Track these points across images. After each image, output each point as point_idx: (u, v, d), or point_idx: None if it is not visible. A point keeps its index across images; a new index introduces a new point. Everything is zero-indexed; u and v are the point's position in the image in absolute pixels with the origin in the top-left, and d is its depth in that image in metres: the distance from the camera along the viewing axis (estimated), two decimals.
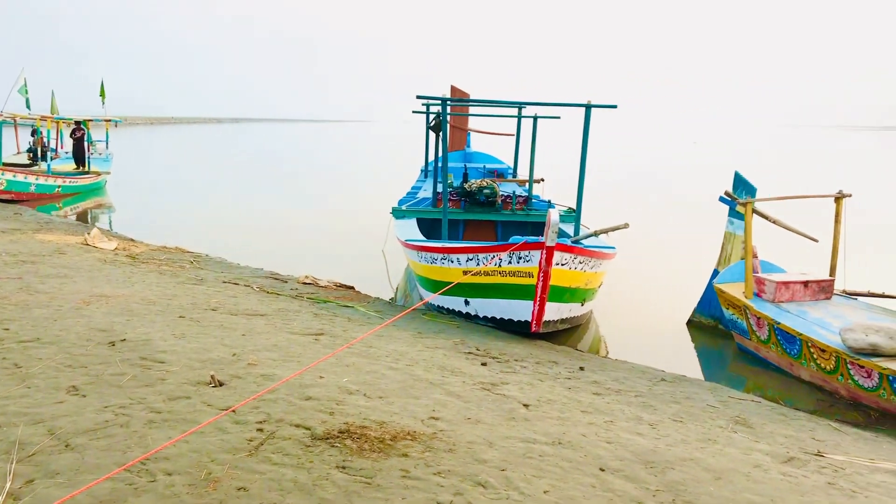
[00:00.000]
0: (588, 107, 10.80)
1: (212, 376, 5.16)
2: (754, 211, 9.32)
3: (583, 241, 10.10)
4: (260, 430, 4.34)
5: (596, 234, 10.13)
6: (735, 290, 9.32)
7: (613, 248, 10.38)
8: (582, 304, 9.74)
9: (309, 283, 11.37)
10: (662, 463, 4.50)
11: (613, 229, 10.04)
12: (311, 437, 4.28)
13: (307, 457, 4.02)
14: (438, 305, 10.21)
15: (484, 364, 6.99)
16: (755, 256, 9.53)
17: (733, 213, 10.12)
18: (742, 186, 9.87)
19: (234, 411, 4.54)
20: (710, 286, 10.16)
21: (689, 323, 10.49)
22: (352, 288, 11.38)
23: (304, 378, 5.44)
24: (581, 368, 7.51)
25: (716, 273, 10.25)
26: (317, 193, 27.90)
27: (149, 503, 3.39)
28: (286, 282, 11.40)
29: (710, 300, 10.12)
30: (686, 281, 11.90)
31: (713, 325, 10.23)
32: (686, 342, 9.96)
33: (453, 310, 9.95)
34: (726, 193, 9.76)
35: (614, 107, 11.07)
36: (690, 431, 5.49)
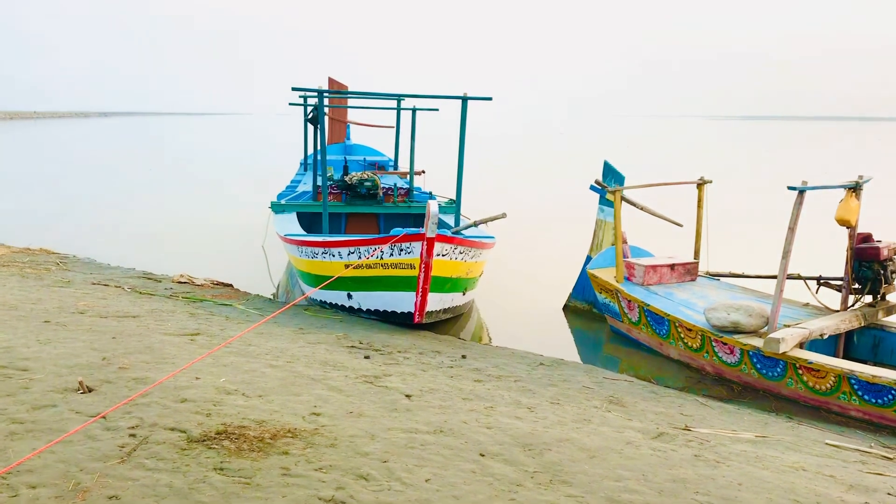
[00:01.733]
0: (464, 99, 10.94)
1: (80, 382, 4.93)
2: (623, 198, 9.70)
3: (463, 232, 10.24)
4: (132, 435, 4.19)
5: (475, 224, 10.29)
6: (607, 274, 9.69)
7: (493, 237, 10.57)
8: (464, 294, 9.88)
9: (184, 282, 11.03)
10: (540, 445, 4.63)
11: (492, 219, 10.23)
12: (187, 440, 4.16)
13: (183, 460, 3.91)
14: (321, 300, 10.13)
15: (367, 357, 6.99)
16: (625, 242, 9.93)
17: (603, 201, 10.51)
18: (611, 175, 10.26)
19: (104, 417, 4.36)
20: (583, 272, 10.51)
21: (566, 308, 10.83)
22: (230, 286, 11.13)
23: (179, 380, 5.28)
24: (463, 357, 7.63)
25: (589, 259, 10.62)
26: (191, 189, 27.05)
27: None
28: (160, 281, 11.02)
29: (584, 285, 10.48)
30: (561, 267, 12.27)
31: (587, 309, 10.60)
32: (563, 326, 10.28)
33: (336, 304, 9.89)
34: (596, 182, 10.12)
35: (489, 99, 11.26)
36: (567, 413, 5.67)
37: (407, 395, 5.59)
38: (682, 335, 8.32)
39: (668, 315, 8.44)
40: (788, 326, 7.59)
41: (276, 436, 4.33)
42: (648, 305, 8.71)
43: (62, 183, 28.50)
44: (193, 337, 7.09)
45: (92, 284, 9.96)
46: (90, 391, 4.88)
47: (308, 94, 14.31)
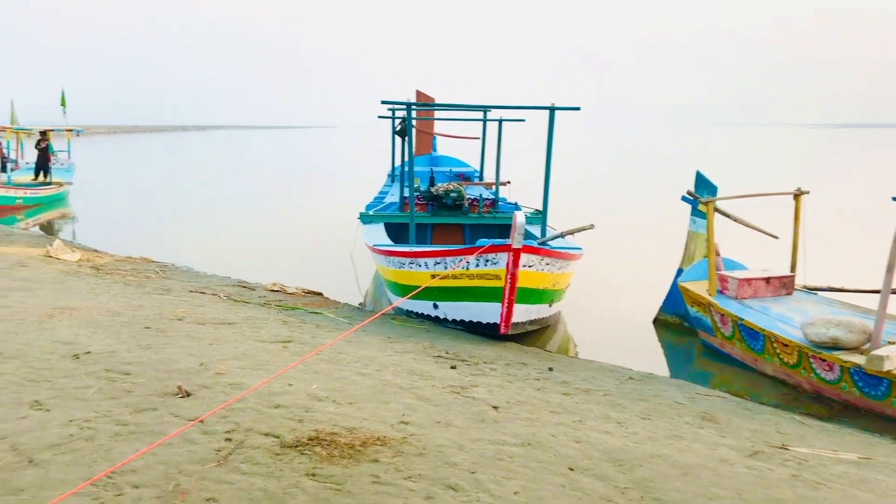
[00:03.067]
0: (552, 109, 10.88)
1: (179, 387, 5.12)
2: (716, 209, 9.46)
3: (549, 243, 10.17)
4: (228, 439, 4.32)
5: (562, 235, 10.20)
6: (699, 287, 9.45)
7: (580, 248, 10.46)
8: (550, 306, 9.80)
9: (277, 291, 11.31)
10: (631, 460, 4.55)
11: (579, 230, 10.12)
12: (281, 446, 4.26)
13: (277, 465, 4.00)
14: (407, 310, 10.22)
15: (453, 367, 7.01)
16: (718, 254, 9.67)
17: (696, 213, 10.26)
18: (704, 186, 10.01)
19: (201, 421, 4.51)
20: (674, 285, 10.28)
21: (656, 321, 10.60)
22: (320, 294, 11.34)
23: (273, 386, 5.41)
24: (550, 369, 7.56)
25: (680, 272, 10.38)
26: (283, 200, 27.75)
27: None
28: (254, 289, 11.33)
29: (675, 298, 10.24)
30: (651, 280, 12.03)
31: (678, 322, 10.36)
32: (653, 340, 10.07)
33: (422, 314, 9.96)
34: (688, 193, 9.89)
35: (577, 109, 11.17)
36: (658, 428, 5.55)
37: (494, 407, 5.58)
38: (777, 351, 8.03)
39: (764, 330, 8.16)
40: (893, 343, 7.24)
41: (366, 443, 4.38)
42: (742, 320, 8.45)
43: (162, 193, 29.67)
44: (286, 344, 7.27)
45: (190, 292, 10.32)
46: (188, 395, 5.06)
47: (397, 107, 14.50)
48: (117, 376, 5.40)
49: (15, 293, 8.70)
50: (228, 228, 19.97)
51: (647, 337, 10.16)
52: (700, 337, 9.61)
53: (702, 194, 9.85)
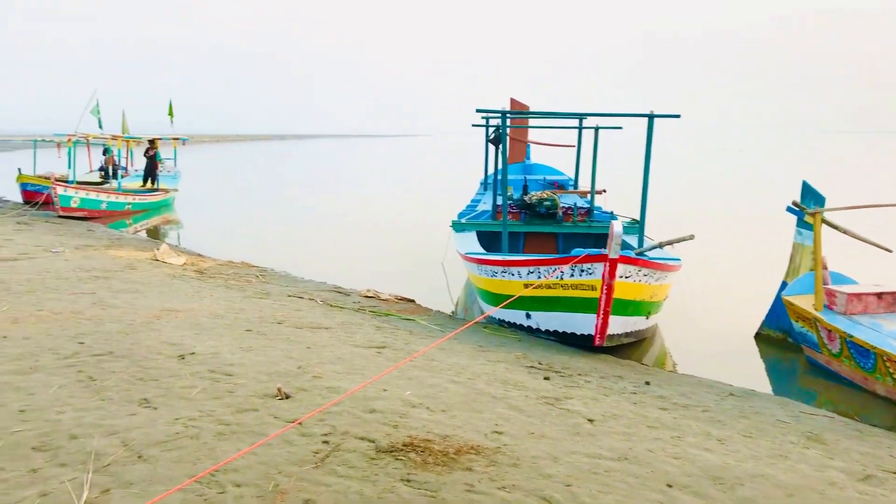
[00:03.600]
0: (651, 117, 10.67)
1: (278, 389, 5.24)
2: (824, 221, 9.06)
3: (647, 253, 9.95)
4: (325, 442, 4.39)
5: (661, 245, 9.97)
6: (805, 302, 9.06)
7: (679, 259, 10.20)
8: (647, 318, 9.59)
9: (371, 297, 11.47)
10: (732, 479, 4.39)
11: (679, 241, 9.87)
12: (376, 450, 4.30)
13: (372, 469, 4.04)
14: (499, 319, 10.18)
15: (547, 378, 6.93)
16: (825, 268, 9.25)
17: (801, 224, 9.86)
18: (810, 196, 9.61)
19: (300, 423, 4.60)
20: (778, 298, 9.89)
21: (757, 336, 10.23)
22: (413, 301, 11.44)
23: (368, 391, 5.48)
24: (647, 383, 7.39)
25: (784, 285, 9.98)
26: (377, 207, 28.16)
27: None
28: (349, 295, 11.52)
29: (779, 313, 9.85)
30: (753, 293, 11.61)
31: (782, 338, 9.95)
32: (754, 356, 9.71)
33: (514, 323, 9.91)
34: (794, 203, 9.51)
35: (677, 116, 10.92)
36: (760, 447, 5.34)
37: (589, 420, 5.49)
38: (890, 370, 7.61)
39: (875, 347, 7.75)
40: None
41: (460, 451, 4.38)
42: (852, 336, 8.05)
43: (261, 200, 30.56)
44: (380, 350, 7.35)
45: (288, 296, 10.58)
46: (287, 398, 5.17)
47: (491, 115, 14.52)
48: (220, 377, 5.58)
49: (125, 294, 9.11)
50: (324, 234, 20.41)
51: (748, 352, 9.81)
52: (805, 353, 9.21)
53: (808, 205, 9.46)
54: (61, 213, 20.43)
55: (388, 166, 65.65)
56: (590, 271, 8.49)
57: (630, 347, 9.53)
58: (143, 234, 19.96)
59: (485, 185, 18.46)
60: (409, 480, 3.93)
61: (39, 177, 23.03)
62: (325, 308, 9.98)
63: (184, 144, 31.85)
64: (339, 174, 52.19)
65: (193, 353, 6.18)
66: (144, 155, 26.08)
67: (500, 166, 12.92)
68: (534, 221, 13.16)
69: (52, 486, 3.66)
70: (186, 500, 3.56)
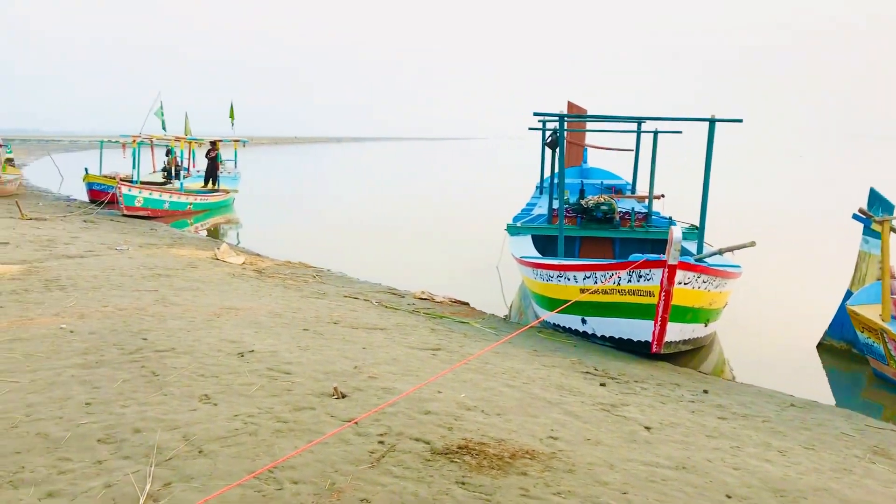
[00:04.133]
0: (712, 121, 10.49)
1: (335, 388, 5.29)
2: (892, 229, 8.78)
3: (706, 260, 9.78)
4: (381, 442, 4.41)
5: (720, 252, 9.79)
6: (871, 312, 8.79)
7: (739, 266, 10.00)
8: (705, 325, 9.42)
9: (425, 299, 11.51)
10: (794, 492, 4.28)
11: (739, 247, 9.68)
12: (431, 452, 4.31)
13: (427, 471, 4.05)
14: (554, 323, 10.11)
15: (603, 384, 6.86)
16: (893, 277, 8.96)
17: (868, 232, 9.57)
18: (878, 203, 9.33)
19: (356, 423, 4.64)
20: (842, 308, 9.61)
21: (820, 346, 9.96)
22: (467, 304, 11.44)
23: (423, 392, 5.49)
24: (705, 391, 7.25)
25: (849, 294, 9.69)
26: (431, 210, 28.25)
27: None
28: (403, 296, 11.58)
29: (843, 323, 9.58)
30: (816, 302, 11.32)
31: (846, 348, 9.68)
32: (816, 366, 9.46)
33: (569, 328, 9.83)
34: (861, 211, 9.24)
35: (740, 121, 10.71)
36: (823, 460, 5.20)
37: (646, 427, 5.41)
38: None
39: None
40: None
41: (515, 456, 4.36)
42: None
43: (317, 201, 30.92)
44: (435, 352, 7.37)
45: (344, 297, 10.69)
46: (343, 397, 5.22)
47: (548, 118, 14.44)
48: (278, 375, 5.66)
49: (186, 292, 9.31)
50: (379, 236, 20.55)
51: (810, 362, 9.56)
52: (870, 365, 8.93)
53: (876, 212, 9.18)
54: (125, 212, 21.00)
55: (443, 169, 65.79)
56: (648, 277, 8.37)
57: (687, 355, 9.38)
58: (204, 234, 20.38)
59: (540, 188, 18.38)
60: (464, 483, 3.93)
61: (105, 176, 23.72)
62: (379, 309, 10.05)
63: (244, 146, 32.43)
64: (394, 176, 52.53)
65: (252, 351, 6.29)
66: (206, 156, 26.63)
67: (556, 170, 12.85)
68: (590, 226, 13.05)
69: (116, 477, 3.75)
70: (245, 496, 3.61)
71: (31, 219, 17.35)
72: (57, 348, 6.09)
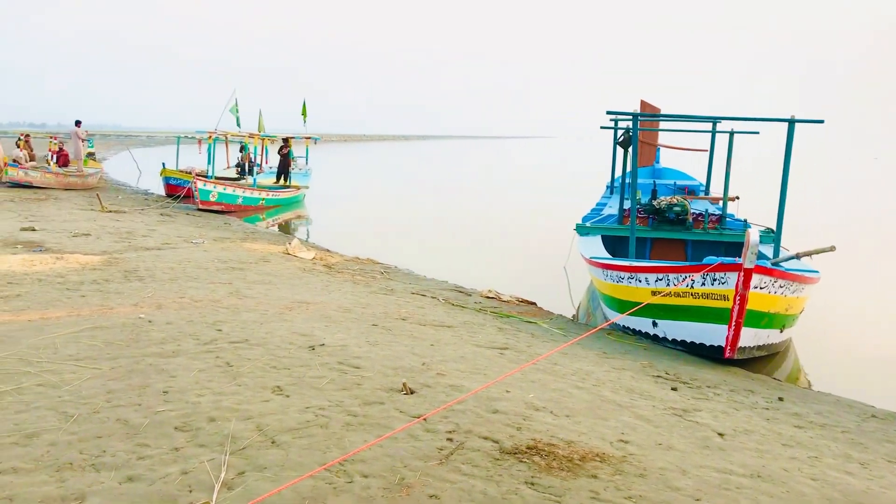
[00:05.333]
0: (791, 121, 10.18)
1: (403, 384, 5.32)
2: None
3: (783, 264, 9.50)
4: (449, 439, 4.41)
5: (798, 256, 9.50)
6: None
7: (817, 272, 9.68)
8: (781, 331, 9.15)
9: (492, 298, 11.48)
10: None
11: (818, 252, 9.37)
12: (500, 451, 4.29)
13: (496, 470, 4.03)
14: (624, 326, 9.96)
15: (674, 389, 6.73)
16: None
17: None
18: None
19: (425, 419, 4.65)
20: None
21: None
22: (534, 304, 11.36)
23: (491, 391, 5.48)
24: (780, 399, 7.05)
25: None
26: (499, 208, 28.17)
27: (347, 503, 3.53)
28: (470, 295, 11.57)
29: None
30: None
31: None
32: None
33: (640, 331, 9.67)
34: None
35: (821, 122, 10.37)
36: None
37: (719, 433, 5.29)
38: None
39: None
40: None
41: (585, 458, 4.31)
42: None
43: (385, 198, 31.18)
44: (502, 351, 7.34)
45: (411, 294, 10.74)
46: (412, 393, 5.24)
47: (621, 117, 14.23)
48: (348, 369, 5.72)
49: (259, 286, 9.49)
50: (446, 233, 20.60)
51: (891, 372, 9.20)
52: None
53: None
54: (200, 207, 21.51)
55: (511, 167, 65.58)
56: (723, 280, 8.17)
57: (761, 361, 9.12)
58: (275, 229, 20.74)
59: (611, 188, 18.14)
60: (533, 483, 3.90)
61: (181, 171, 24.36)
62: (446, 307, 10.06)
63: (315, 144, 32.89)
64: (461, 174, 52.57)
65: (323, 345, 6.37)
66: (278, 153, 27.08)
67: (628, 169, 12.65)
68: (662, 227, 12.81)
69: (192, 465, 3.85)
70: (317, 487, 3.66)
71: (110, 211, 17.95)
72: (136, 337, 6.28)
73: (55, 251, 11.05)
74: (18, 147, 26.37)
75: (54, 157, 27.91)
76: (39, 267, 9.59)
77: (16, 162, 24.09)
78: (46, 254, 10.72)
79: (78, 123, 25.15)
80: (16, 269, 9.30)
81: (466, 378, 5.86)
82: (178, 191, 23.18)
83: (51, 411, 4.50)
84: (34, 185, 22.84)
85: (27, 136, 29.00)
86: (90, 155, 29.05)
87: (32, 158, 26.89)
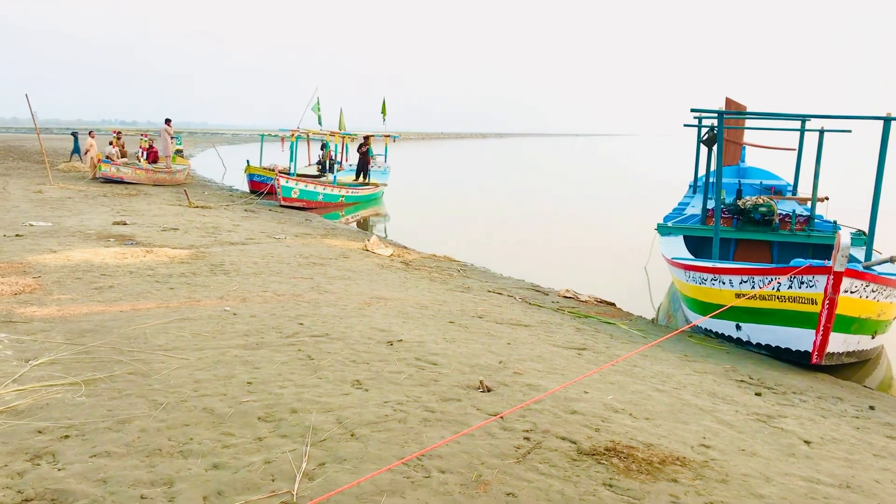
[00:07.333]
0: (887, 119, 9.77)
1: (480, 382, 5.33)
2: None
3: (876, 268, 9.12)
4: (527, 438, 4.40)
5: (892, 259, 9.10)
6: None
7: None
8: (872, 337, 8.79)
9: (570, 297, 11.39)
10: None
11: None
12: (577, 452, 4.26)
13: (573, 470, 4.00)
14: (705, 328, 9.74)
15: (758, 394, 6.54)
16: None
17: None
18: None
19: (502, 418, 4.65)
20: None
21: None
22: (613, 304, 11.23)
23: (569, 391, 5.44)
24: (871, 408, 6.77)
25: None
26: (578, 207, 27.93)
27: (424, 498, 3.56)
28: (547, 294, 11.51)
29: None
30: None
31: None
32: None
33: (722, 334, 9.44)
34: None
35: None
36: None
37: (806, 441, 5.12)
38: None
39: None
40: None
41: (665, 462, 4.23)
42: None
43: (462, 195, 31.26)
44: (580, 351, 7.27)
45: (487, 292, 10.75)
46: (489, 391, 5.24)
47: (706, 115, 13.92)
48: (426, 365, 5.76)
49: (339, 281, 9.65)
50: (524, 231, 20.54)
51: None
52: None
53: None
54: (282, 203, 22.02)
55: (592, 165, 64.86)
56: (811, 284, 7.90)
57: (850, 368, 8.79)
58: (354, 226, 21.05)
59: (694, 187, 17.75)
60: (611, 486, 3.85)
61: (265, 169, 24.98)
62: (523, 305, 10.03)
63: (394, 141, 33.23)
64: (540, 172, 52.26)
65: (401, 341, 6.43)
66: (358, 150, 27.49)
67: (712, 168, 12.37)
68: (747, 228, 12.48)
69: (274, 454, 3.94)
70: (395, 481, 3.70)
71: (197, 207, 18.53)
72: (221, 329, 6.47)
73: (145, 245, 11.48)
74: (111, 144, 27.51)
75: (144, 153, 29.03)
76: (130, 260, 9.98)
77: (108, 158, 25.14)
78: (137, 247, 11.14)
79: (168, 121, 26.07)
80: (109, 262, 9.70)
81: (544, 377, 5.83)
82: (261, 187, 23.77)
83: (141, 399, 4.67)
84: (125, 180, 23.78)
85: (119, 133, 30.21)
86: (178, 152, 30.09)
87: (124, 155, 28.03)
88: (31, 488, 3.46)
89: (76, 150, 31.03)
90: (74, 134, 33.30)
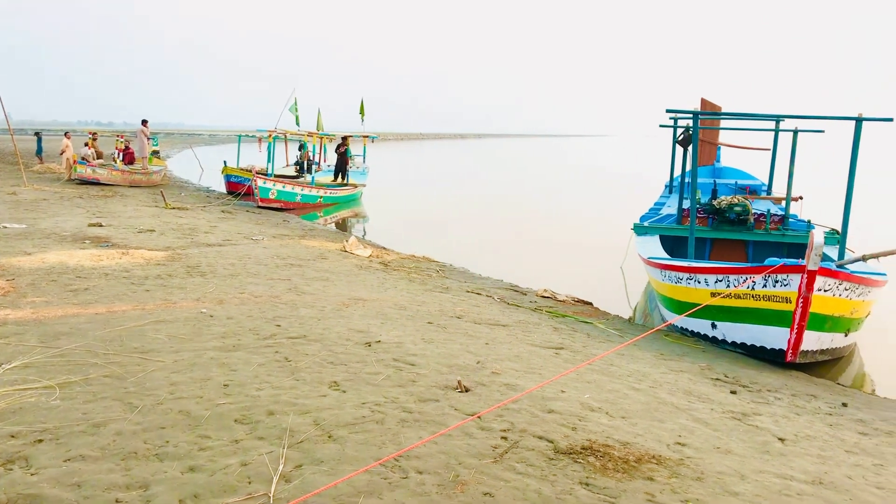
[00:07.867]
0: (858, 120, 9.90)
1: (458, 382, 5.34)
2: None
3: (849, 266, 9.24)
4: (504, 438, 4.42)
5: (865, 258, 9.23)
6: None
7: (884, 274, 9.40)
8: (845, 335, 8.91)
9: (547, 297, 11.43)
10: None
11: (886, 254, 9.08)
12: (554, 451, 4.28)
13: (550, 469, 4.02)
14: (682, 327, 9.82)
15: (733, 392, 6.61)
16: None
17: None
18: None
19: (479, 417, 4.66)
20: None
21: None
22: (590, 304, 11.28)
23: (546, 391, 5.46)
24: (844, 405, 6.86)
25: None
26: (555, 206, 28.03)
27: (401, 499, 3.57)
28: (525, 294, 11.55)
29: None
30: None
31: None
32: None
33: (698, 333, 9.52)
34: None
35: (889, 120, 10.06)
36: None
37: (780, 438, 5.18)
38: None
39: None
40: None
41: (641, 460, 4.27)
42: None
43: (440, 196, 31.25)
44: (558, 351, 7.31)
45: (466, 292, 10.76)
46: (467, 391, 5.26)
47: (681, 115, 14.03)
48: (403, 366, 5.77)
49: (317, 282, 9.62)
50: (502, 231, 20.58)
51: None
52: None
53: None
54: (260, 204, 21.90)
55: (569, 166, 65.07)
56: (785, 282, 8.00)
57: (824, 365, 8.90)
58: (333, 227, 20.99)
59: (670, 187, 17.89)
60: (587, 484, 3.88)
61: (242, 169, 24.84)
62: (502, 305, 10.06)
63: (372, 142, 33.16)
64: (517, 172, 52.36)
65: (379, 342, 6.43)
66: (336, 151, 27.40)
67: (688, 168, 12.47)
68: (722, 227, 12.60)
69: (251, 457, 3.93)
70: (372, 482, 3.70)
71: (174, 208, 18.39)
72: (198, 331, 6.44)
73: (121, 246, 11.38)
74: (87, 146, 27.23)
75: (121, 154, 28.75)
76: (106, 262, 9.89)
77: (84, 160, 24.87)
78: (113, 249, 11.05)
79: (144, 122, 25.86)
80: (84, 264, 9.61)
81: (521, 377, 5.86)
82: (238, 188, 23.64)
83: (116, 402, 4.64)
84: (101, 182, 23.54)
85: (95, 134, 29.91)
86: (155, 153, 29.83)
87: (100, 156, 27.73)
88: (4, 494, 3.43)
89: (39, 150, 30.83)
90: (38, 134, 33.00)
